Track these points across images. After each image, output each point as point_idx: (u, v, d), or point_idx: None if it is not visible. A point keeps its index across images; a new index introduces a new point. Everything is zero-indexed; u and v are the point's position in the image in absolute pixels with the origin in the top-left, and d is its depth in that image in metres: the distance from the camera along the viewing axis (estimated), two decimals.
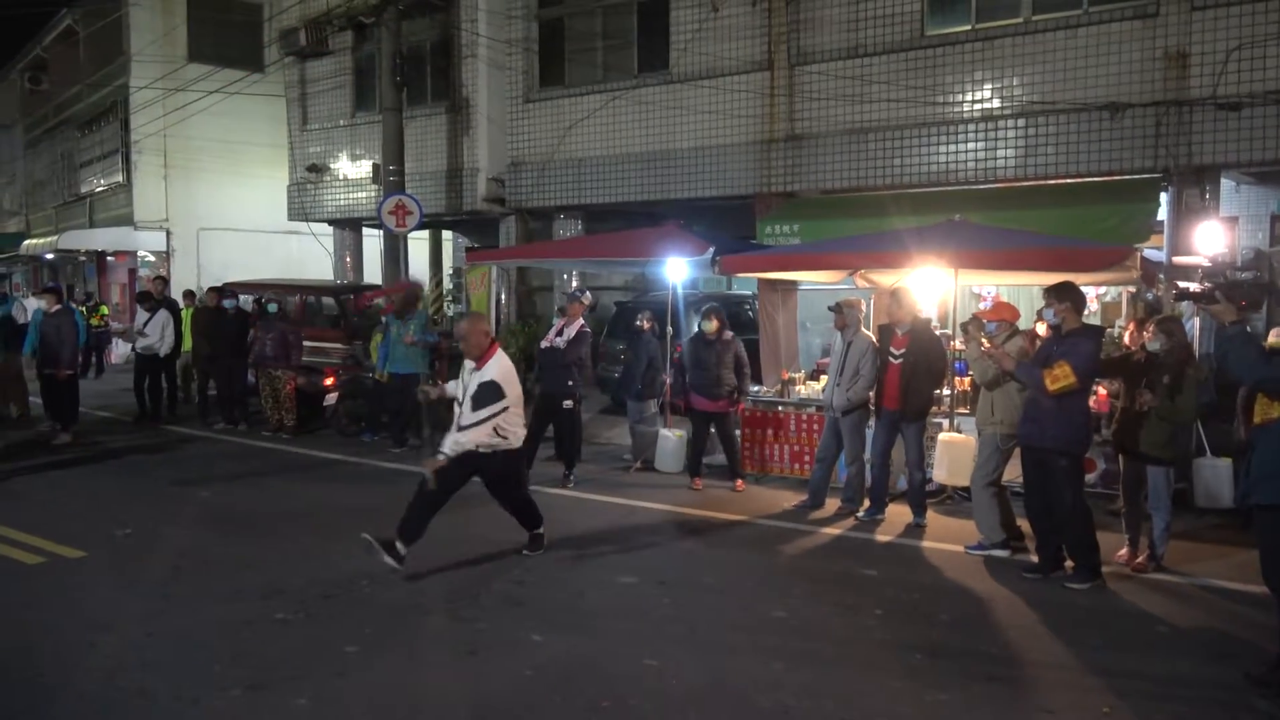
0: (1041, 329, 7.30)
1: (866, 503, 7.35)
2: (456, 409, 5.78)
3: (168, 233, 20.69)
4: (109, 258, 22.99)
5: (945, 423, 7.73)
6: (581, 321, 8.42)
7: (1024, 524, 6.36)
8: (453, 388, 6.03)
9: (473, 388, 5.62)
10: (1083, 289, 6.08)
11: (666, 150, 12.15)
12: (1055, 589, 5.60)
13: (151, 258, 21.20)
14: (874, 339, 7.50)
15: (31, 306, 10.63)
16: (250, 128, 19.53)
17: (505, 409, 5.59)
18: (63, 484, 8.34)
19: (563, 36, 13.37)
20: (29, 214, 29.20)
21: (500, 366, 5.71)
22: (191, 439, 10.68)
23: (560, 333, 8.38)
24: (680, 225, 10.05)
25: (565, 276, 13.18)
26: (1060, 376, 5.40)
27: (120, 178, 21.48)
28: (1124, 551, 6.09)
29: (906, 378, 7.04)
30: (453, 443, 5.47)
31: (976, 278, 8.77)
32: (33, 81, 26.84)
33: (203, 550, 6.19)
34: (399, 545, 5.56)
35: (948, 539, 6.70)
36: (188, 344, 12.49)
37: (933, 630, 4.94)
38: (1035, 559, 5.92)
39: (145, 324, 11.94)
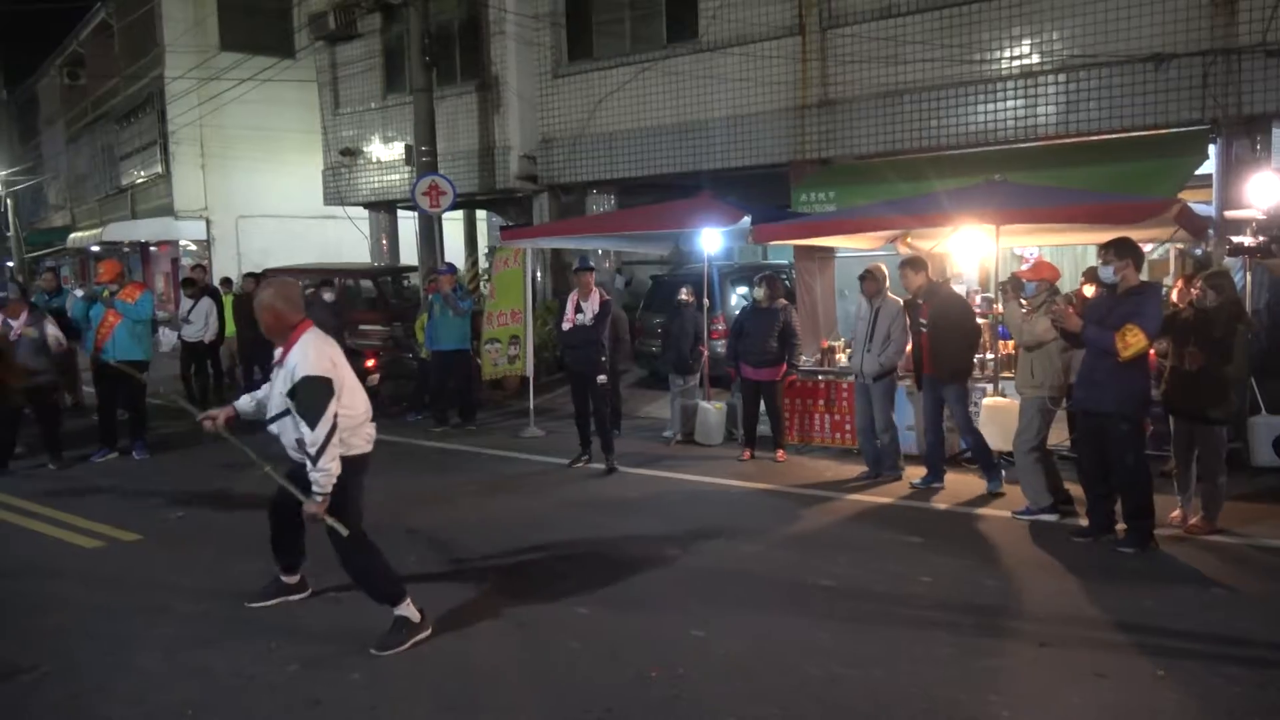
0: (1089, 290, 7.16)
1: (924, 470, 7.28)
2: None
3: (207, 221, 21.03)
4: (152, 248, 23.43)
5: (989, 387, 7.63)
6: (598, 291, 8.15)
7: (1072, 487, 6.28)
8: (247, 404, 4.60)
9: (286, 385, 4.16)
10: None
11: (698, 120, 12.04)
12: (1106, 552, 5.51)
13: (193, 246, 21.59)
14: (902, 303, 7.43)
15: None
16: (283, 114, 19.72)
17: (336, 410, 4.12)
18: (117, 469, 8.54)
19: (590, 9, 13.26)
20: (73, 207, 29.82)
21: (309, 350, 4.14)
22: (240, 423, 10.86)
23: (579, 308, 8.09)
24: (713, 196, 9.97)
25: (600, 252, 13.17)
26: (1133, 342, 5.20)
27: (159, 169, 21.84)
28: (1177, 513, 5.98)
29: (934, 343, 6.96)
30: (319, 480, 4.08)
31: (1018, 239, 8.61)
32: (71, 77, 27.32)
33: (253, 531, 6.26)
34: (285, 578, 4.92)
35: (996, 504, 6.63)
36: (230, 330, 12.70)
37: (981, 596, 4.90)
38: (1085, 523, 5.84)
39: (189, 311, 12.15)
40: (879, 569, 5.34)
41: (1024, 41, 9.77)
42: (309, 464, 4.10)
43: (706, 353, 9.50)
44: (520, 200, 14.72)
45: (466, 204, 16.62)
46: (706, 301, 9.63)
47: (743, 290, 11.91)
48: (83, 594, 5.20)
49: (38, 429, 8.63)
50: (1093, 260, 9.31)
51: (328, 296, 10.97)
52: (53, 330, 8.29)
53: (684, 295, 9.41)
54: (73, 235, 27.47)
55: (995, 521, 6.28)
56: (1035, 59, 9.72)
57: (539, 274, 14.08)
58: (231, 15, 20.56)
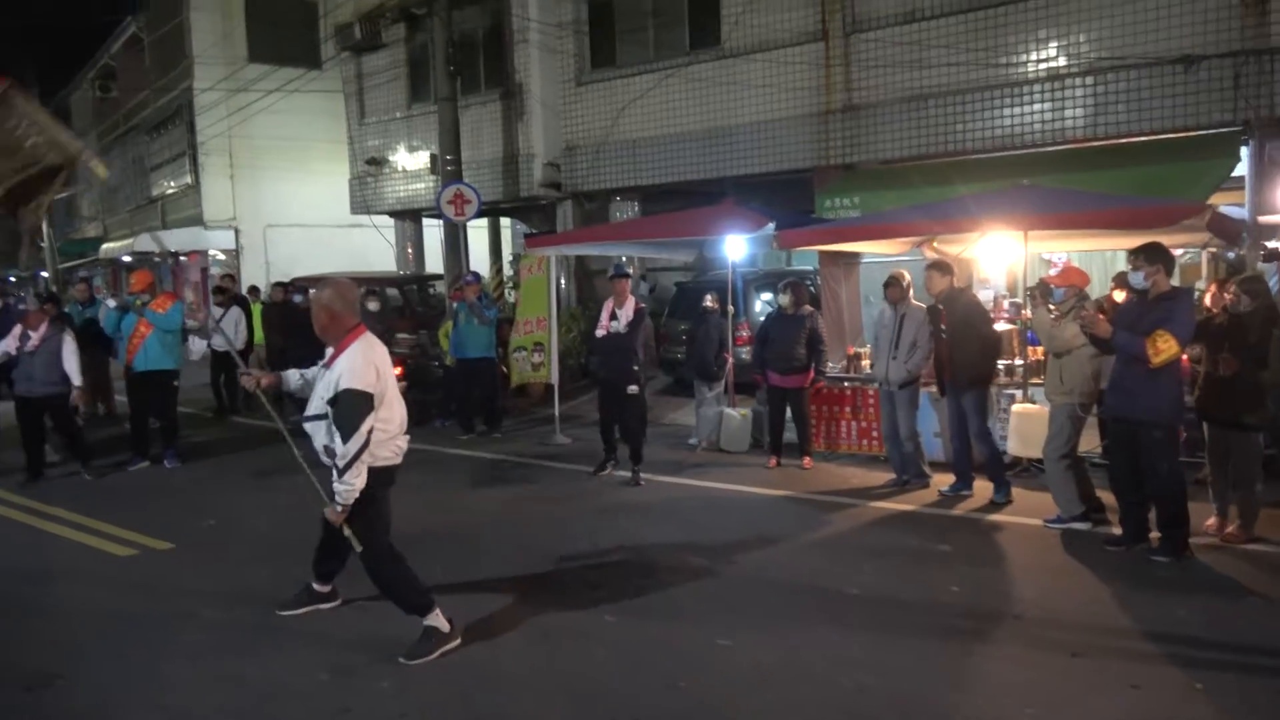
0: (1120, 295, 7.07)
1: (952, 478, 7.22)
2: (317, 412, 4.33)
3: (236, 231, 21.28)
4: (182, 257, 23.73)
5: (1018, 393, 7.56)
6: (634, 299, 8.06)
7: (1104, 495, 6.20)
8: (294, 379, 4.65)
9: (328, 392, 4.19)
10: None
11: (721, 127, 12.04)
12: (1140, 562, 5.43)
13: (222, 256, 21.84)
14: (926, 311, 7.37)
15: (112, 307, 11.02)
16: (310, 124, 19.94)
17: (372, 425, 4.11)
18: (149, 478, 8.65)
19: (613, 17, 13.31)
20: (105, 218, 30.29)
21: (356, 360, 4.14)
22: (267, 431, 10.97)
23: (614, 316, 7.96)
24: (737, 202, 9.96)
25: (623, 259, 13.19)
26: (1164, 349, 5.12)
27: (189, 179, 22.14)
28: (1212, 521, 5.88)
29: (952, 350, 6.90)
30: (343, 492, 4.13)
31: (1047, 243, 8.52)
32: (102, 89, 27.78)
33: (282, 539, 6.35)
34: (317, 586, 4.94)
35: (1025, 512, 6.55)
36: (259, 338, 12.84)
37: (1012, 605, 4.84)
38: (1118, 531, 5.76)
39: (219, 320, 12.30)
40: (907, 577, 5.30)
41: (1050, 44, 9.69)
42: (334, 474, 4.14)
43: (731, 360, 9.48)
44: (544, 208, 14.79)
45: (491, 212, 16.71)
46: (731, 308, 9.61)
47: (767, 296, 11.87)
48: (114, 601, 5.27)
49: (62, 441, 8.74)
50: (1122, 265, 9.21)
51: (372, 306, 10.96)
52: (73, 361, 8.31)
53: (709, 302, 9.39)
54: (105, 246, 27.90)
55: (1026, 530, 6.21)
56: (1062, 61, 9.64)
57: (563, 281, 14.13)
58: (259, 28, 20.82)
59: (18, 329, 8.21)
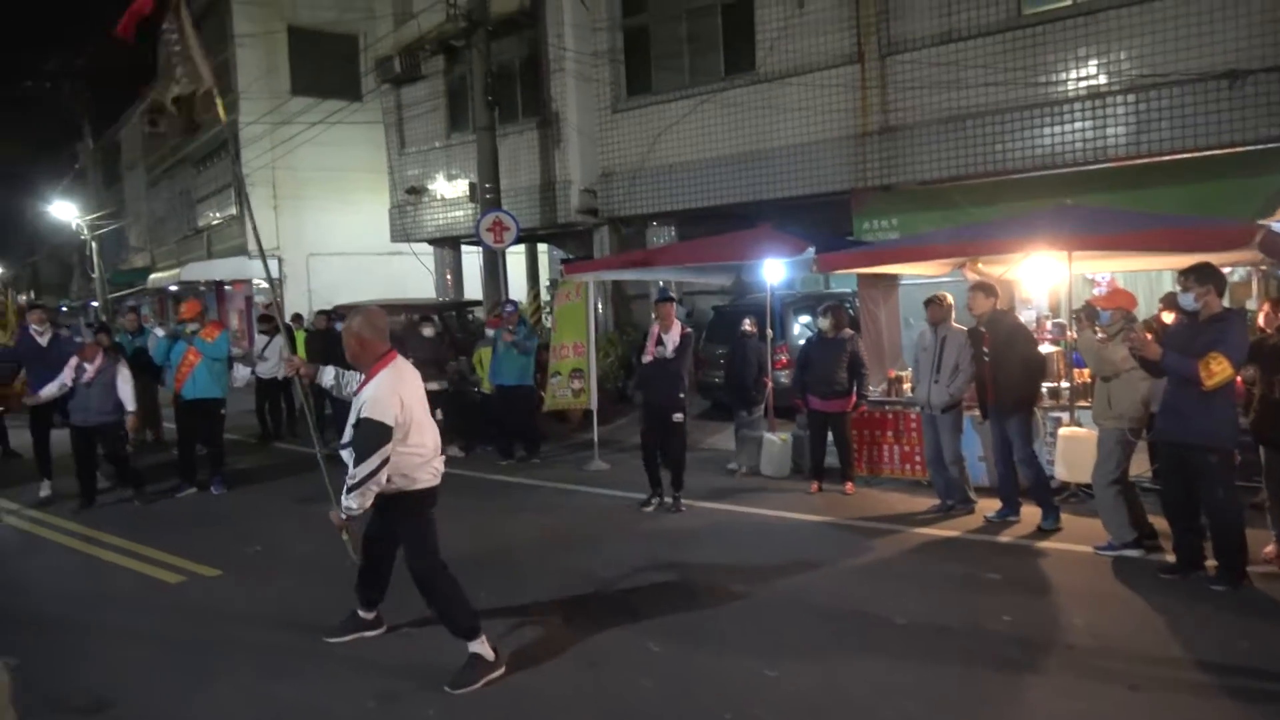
0: (1169, 317, 6.95)
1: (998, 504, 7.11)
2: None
3: (279, 260, 21.67)
4: (226, 287, 24.22)
5: (1064, 416, 7.43)
6: (679, 324, 7.90)
7: (1156, 520, 6.06)
8: (328, 376, 4.83)
9: (354, 416, 4.31)
10: None
11: (757, 150, 12.06)
12: (1196, 590, 5.29)
13: (265, 284, 22.22)
14: (968, 333, 7.28)
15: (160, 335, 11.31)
16: (351, 155, 20.30)
17: (388, 456, 4.19)
18: (196, 504, 8.79)
19: (648, 44, 13.44)
20: (153, 249, 31.04)
21: (382, 389, 4.25)
22: (310, 458, 11.10)
23: (659, 341, 7.80)
24: (774, 227, 9.96)
25: (661, 284, 13.23)
26: (1218, 371, 5.00)
27: (234, 210, 22.62)
28: (1271, 548, 5.71)
29: (995, 373, 6.80)
30: (349, 505, 4.26)
31: (1091, 264, 8.40)
32: (151, 124, 28.53)
33: (327, 565, 6.39)
34: (362, 613, 4.98)
35: (1075, 539, 6.42)
36: None
37: (1065, 635, 4.74)
38: (1172, 558, 5.61)
39: (264, 348, 12.51)
40: (955, 605, 5.21)
41: (1091, 62, 9.60)
42: (345, 491, 4.25)
43: (771, 384, 9.44)
44: (581, 233, 14.90)
45: (528, 238, 16.87)
46: (770, 332, 9.58)
47: (805, 320, 11.83)
48: (165, 627, 5.35)
49: (112, 468, 8.92)
50: (1168, 285, 9.06)
51: (428, 331, 11.01)
52: (128, 389, 8.51)
53: (747, 326, 9.37)
54: (152, 276, 28.57)
55: (1076, 557, 6.08)
56: (1103, 79, 9.54)
57: (600, 306, 14.19)
58: (302, 62, 21.31)
59: (74, 361, 8.42)
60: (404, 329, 13.85)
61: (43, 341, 9.41)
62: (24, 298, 52.47)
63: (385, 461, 4.18)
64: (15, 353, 9.85)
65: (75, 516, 8.27)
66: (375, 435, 4.16)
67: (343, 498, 4.27)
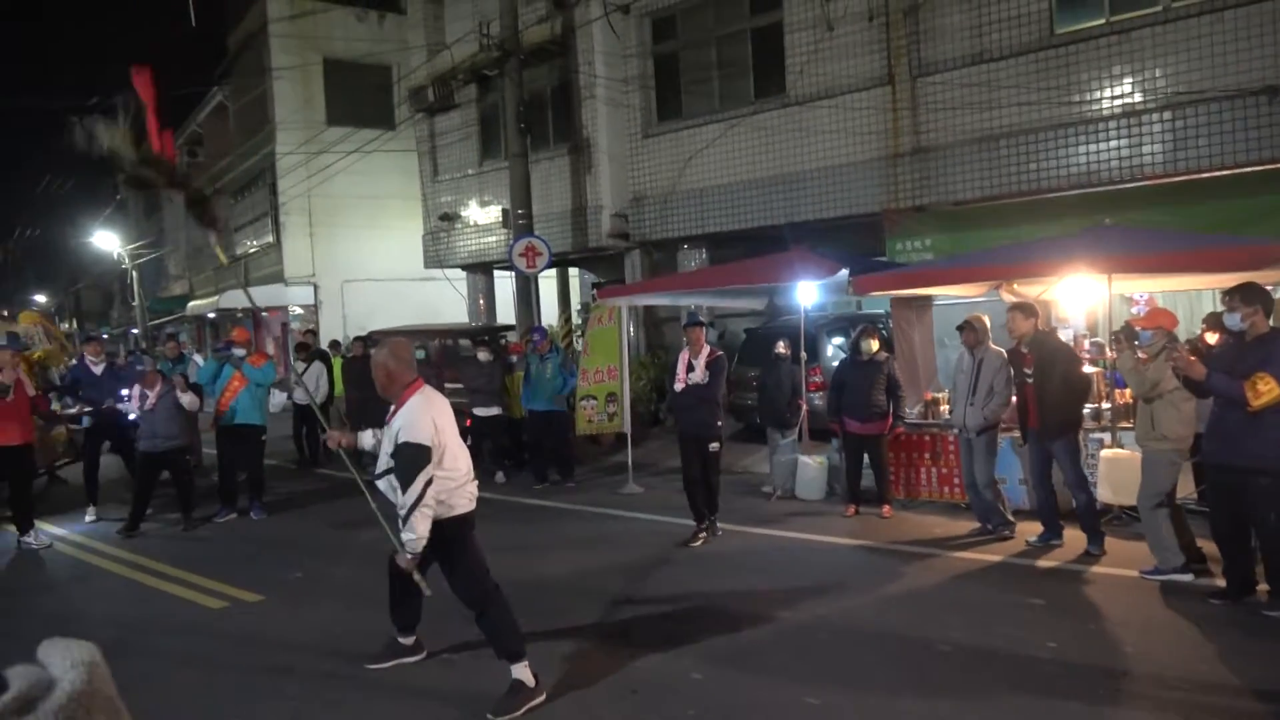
0: (1212, 338, 6.84)
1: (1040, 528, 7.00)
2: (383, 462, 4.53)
3: (315, 287, 22.00)
4: (263, 313, 24.60)
5: (1106, 438, 7.33)
6: (709, 348, 7.55)
7: (1205, 544, 5.94)
8: (368, 439, 4.82)
9: (389, 444, 4.40)
10: None
11: (788, 173, 12.09)
12: (1249, 616, 5.18)
13: (300, 310, 22.57)
14: (1005, 355, 7.20)
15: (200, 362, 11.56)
16: (385, 183, 20.61)
17: (430, 476, 4.26)
18: (237, 530, 8.90)
19: (678, 70, 13.55)
20: (192, 277, 31.61)
21: (414, 412, 4.34)
22: (348, 483, 11.20)
23: (690, 367, 7.48)
24: (807, 249, 9.95)
25: (693, 307, 13.25)
26: (1265, 391, 4.90)
27: (271, 238, 23.03)
28: None
29: (1038, 394, 6.71)
30: (409, 542, 4.32)
31: (1130, 284, 8.31)
32: (191, 154, 29.22)
33: (367, 591, 6.43)
34: (401, 639, 5.04)
35: (1120, 563, 6.31)
36: (339, 391, 13.19)
37: (1114, 663, 4.65)
38: (1222, 583, 5.50)
39: (302, 374, 12.67)
40: (999, 632, 5.13)
41: (1125, 80, 9.54)
42: (400, 524, 4.32)
43: (805, 406, 9.40)
44: (612, 257, 14.98)
45: (560, 262, 17.00)
46: (804, 354, 9.55)
47: (838, 341, 11.78)
48: (210, 653, 5.41)
49: (174, 491, 9.07)
50: (1209, 305, 8.93)
51: (483, 356, 11.08)
52: (187, 397, 8.78)
53: (780, 348, 9.35)
54: (191, 303, 29.08)
55: (1122, 582, 5.98)
56: (1138, 97, 9.47)
57: (632, 329, 14.23)
58: (337, 93, 21.74)
59: (137, 389, 8.68)
60: (444, 353, 14.02)
61: (97, 370, 9.88)
62: (66, 325, 53.66)
63: (429, 482, 4.25)
64: (73, 379, 10.28)
65: (120, 542, 8.40)
66: (415, 457, 4.23)
67: (403, 532, 4.30)
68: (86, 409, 9.63)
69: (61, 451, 11.11)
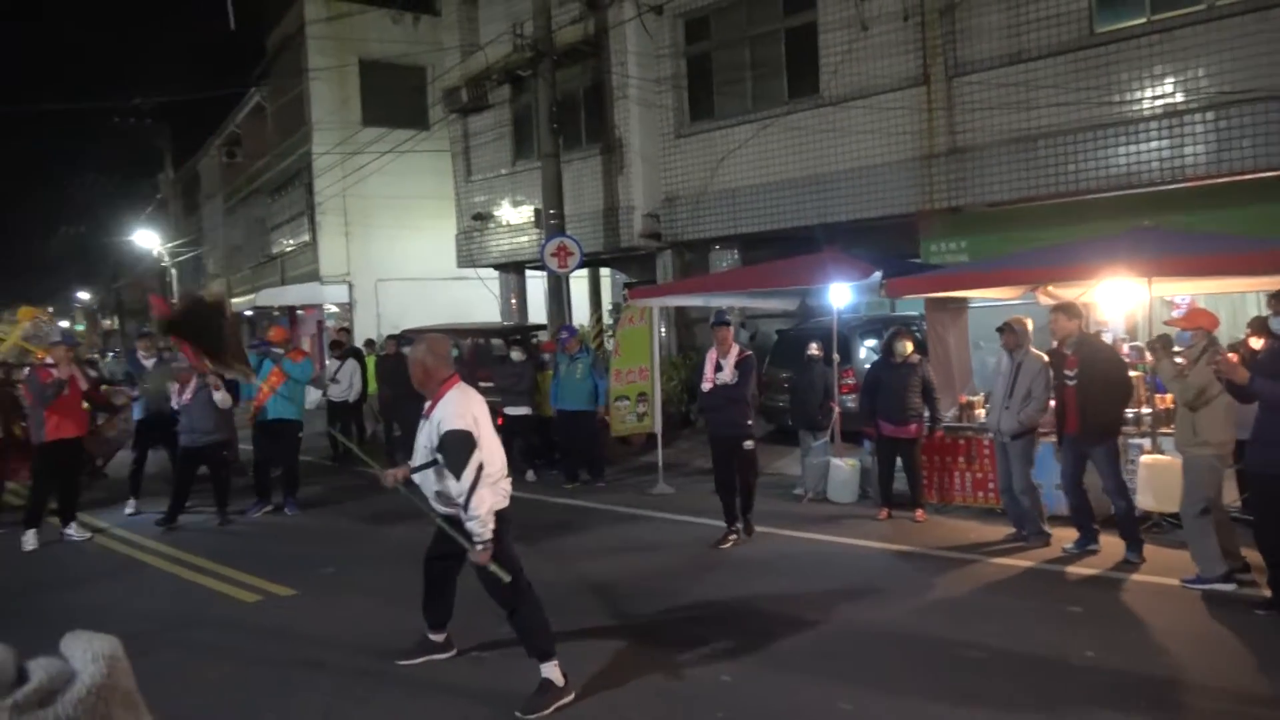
0: (1257, 343, 6.69)
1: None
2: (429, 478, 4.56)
3: (350, 285, 22.21)
4: (299, 311, 24.90)
5: (1146, 443, 7.19)
6: (738, 347, 7.45)
7: (1250, 553, 5.81)
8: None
9: (430, 440, 4.43)
10: None
11: (822, 174, 12.01)
12: None
13: (335, 309, 22.81)
14: (1046, 359, 7.08)
15: None
16: (419, 183, 20.75)
17: (480, 461, 4.30)
18: (271, 524, 9.01)
19: (711, 70, 13.52)
20: (229, 275, 32.08)
21: (453, 404, 4.40)
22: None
23: (719, 367, 7.38)
24: (839, 249, 9.88)
25: (722, 307, 13.20)
26: None
27: (307, 237, 23.29)
28: None
29: (1081, 398, 6.59)
30: (479, 526, 4.29)
31: (1171, 287, 8.16)
32: (229, 155, 29.67)
33: (398, 587, 6.47)
34: (432, 636, 5.06)
35: (1159, 571, 6.19)
36: (373, 389, 13.32)
37: (1155, 672, 4.56)
38: (1267, 593, 5.37)
39: (336, 372, 12.82)
40: (1035, 640, 5.05)
41: (1167, 80, 9.37)
42: (463, 513, 4.30)
43: (837, 409, 9.33)
44: (643, 257, 14.98)
45: (591, 262, 17.03)
46: (836, 356, 9.48)
47: (871, 343, 11.68)
48: (244, 647, 5.47)
49: (211, 485, 9.20)
50: (1253, 309, 8.73)
51: (515, 356, 11.15)
52: (220, 394, 8.89)
53: (813, 350, 9.29)
54: (229, 301, 29.51)
55: (1162, 590, 5.86)
56: (1180, 97, 9.30)
57: (663, 329, 14.22)
58: (372, 94, 21.94)
59: (176, 386, 8.84)
60: (477, 353, 14.09)
61: (148, 364, 10.12)
62: (108, 322, 54.65)
63: (480, 466, 4.27)
64: (127, 375, 10.65)
65: (159, 535, 8.54)
66: (462, 444, 4.27)
67: (468, 523, 4.30)
68: (135, 396, 9.85)
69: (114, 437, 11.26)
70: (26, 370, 9.09)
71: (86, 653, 0.94)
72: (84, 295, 57.66)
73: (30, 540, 8.12)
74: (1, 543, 8.40)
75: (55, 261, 54.29)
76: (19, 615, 6.31)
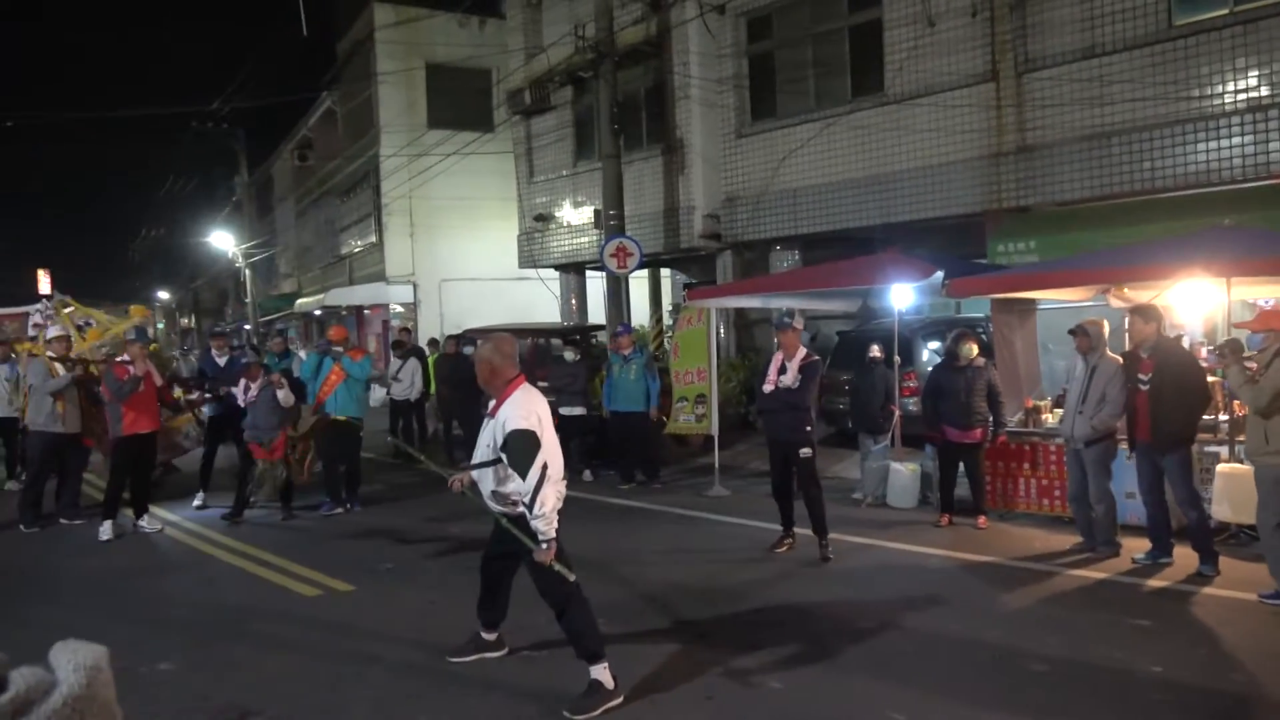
0: None
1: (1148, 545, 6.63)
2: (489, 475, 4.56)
3: (414, 285, 22.61)
4: (365, 311, 25.43)
5: (1222, 451, 6.89)
6: (804, 351, 7.20)
7: None
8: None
9: (493, 439, 4.44)
10: None
11: (886, 173, 11.81)
12: None
13: (400, 309, 23.23)
14: (1121, 362, 6.82)
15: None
16: (483, 184, 21.03)
17: (545, 460, 4.30)
18: (332, 520, 9.19)
19: (773, 69, 13.40)
20: (300, 275, 32.94)
21: (518, 404, 4.42)
22: (440, 478, 11.45)
23: (783, 369, 7.13)
24: (901, 250, 9.69)
25: (783, 309, 13.07)
26: None
27: (374, 238, 23.78)
28: None
29: (1153, 404, 6.33)
30: (544, 525, 4.28)
31: (1252, 289, 7.80)
32: (300, 158, 30.44)
33: (454, 585, 6.56)
34: (484, 634, 5.08)
35: (1237, 585, 5.92)
36: (433, 387, 13.51)
37: (1226, 690, 4.36)
38: None
39: (398, 371, 13.04)
40: (1100, 654, 4.87)
41: (1250, 73, 8.97)
42: (528, 512, 4.29)
43: (898, 412, 9.15)
44: (703, 258, 14.91)
45: (651, 263, 17.03)
46: (897, 358, 9.30)
47: (934, 345, 11.43)
48: (302, 640, 5.59)
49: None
50: None
51: (569, 356, 11.20)
52: (283, 393, 9.08)
53: (874, 352, 9.13)
54: (299, 301, 30.29)
55: (1237, 605, 5.61)
56: (1264, 90, 8.89)
57: (722, 331, 14.14)
58: (438, 97, 22.31)
59: (243, 383, 9.08)
60: (537, 353, 14.19)
61: (221, 362, 10.47)
62: (185, 321, 56.57)
63: (545, 466, 4.27)
64: (201, 371, 10.97)
65: (225, 529, 8.78)
66: (527, 443, 4.27)
67: (533, 521, 4.28)
68: (207, 396, 10.13)
69: (184, 436, 11.60)
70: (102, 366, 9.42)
71: (70, 663, 0.96)
72: (163, 295, 59.76)
73: (107, 530, 8.42)
74: (82, 532, 8.74)
75: (138, 262, 56.43)
76: (109, 596, 6.54)
